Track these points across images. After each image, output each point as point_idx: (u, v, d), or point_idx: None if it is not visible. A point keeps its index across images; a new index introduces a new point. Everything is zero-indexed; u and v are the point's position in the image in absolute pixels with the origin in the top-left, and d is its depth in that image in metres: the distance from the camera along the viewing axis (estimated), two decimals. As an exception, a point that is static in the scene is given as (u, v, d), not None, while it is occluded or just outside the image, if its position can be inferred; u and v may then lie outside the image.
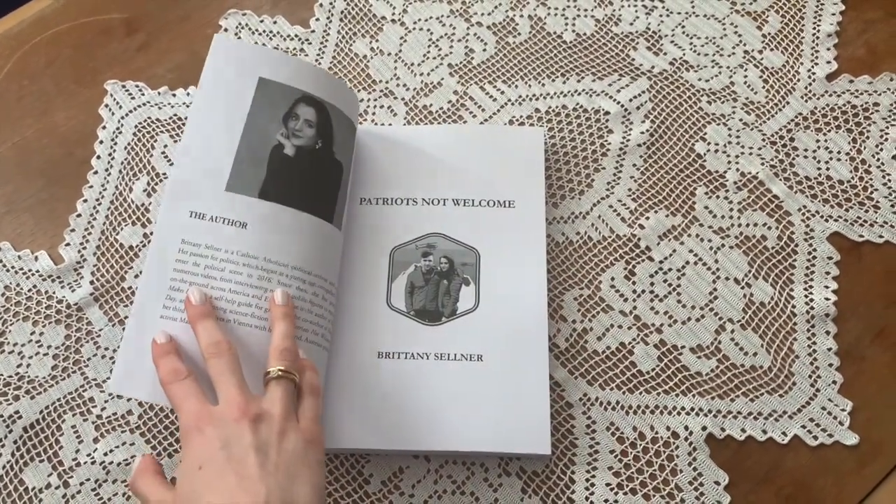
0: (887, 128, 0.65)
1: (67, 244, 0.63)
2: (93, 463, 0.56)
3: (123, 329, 0.57)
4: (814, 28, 0.69)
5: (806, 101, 0.66)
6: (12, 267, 0.62)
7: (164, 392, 0.48)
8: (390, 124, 0.66)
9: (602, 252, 0.61)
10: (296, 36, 0.70)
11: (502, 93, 0.67)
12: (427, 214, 0.61)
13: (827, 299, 0.59)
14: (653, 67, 0.68)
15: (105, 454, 0.56)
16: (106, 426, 0.57)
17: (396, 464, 0.56)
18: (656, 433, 0.56)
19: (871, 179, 0.63)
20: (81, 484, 0.56)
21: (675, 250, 0.61)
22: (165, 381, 0.47)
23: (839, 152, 0.64)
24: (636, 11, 0.70)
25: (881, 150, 0.64)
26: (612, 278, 0.61)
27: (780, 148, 0.64)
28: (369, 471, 0.56)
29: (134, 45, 0.70)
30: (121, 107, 0.68)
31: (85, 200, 0.64)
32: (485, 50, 0.69)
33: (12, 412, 0.58)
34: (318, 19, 0.71)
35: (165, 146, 0.66)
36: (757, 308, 0.59)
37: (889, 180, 0.63)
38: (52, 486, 0.56)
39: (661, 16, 0.70)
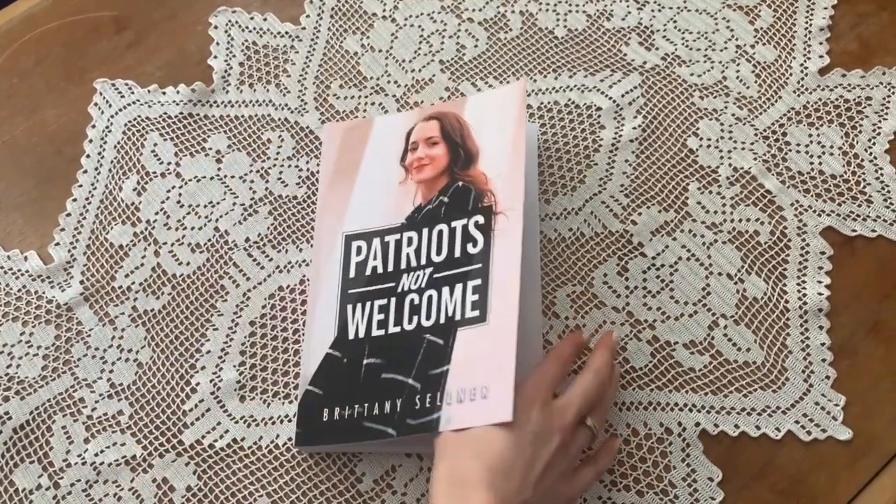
0: (880, 122, 0.64)
1: (57, 244, 0.62)
2: (83, 464, 0.56)
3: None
4: (806, 22, 0.68)
5: (798, 95, 0.66)
6: (1, 267, 0.62)
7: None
8: (381, 121, 0.66)
9: (595, 248, 0.61)
10: (286, 33, 0.70)
11: (494, 89, 0.67)
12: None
13: (820, 294, 0.59)
14: (645, 63, 0.67)
15: (96, 455, 0.56)
16: (96, 426, 0.57)
17: (389, 462, 0.55)
18: (650, 429, 0.56)
19: (863, 174, 0.63)
20: (72, 485, 0.55)
21: (667, 246, 0.61)
22: (561, 350, 0.52)
23: (832, 147, 0.64)
24: (628, 6, 0.70)
25: (874, 144, 0.64)
26: (605, 274, 0.60)
27: (772, 143, 0.64)
28: (361, 469, 0.55)
29: (123, 42, 0.70)
30: (110, 105, 0.67)
31: (75, 199, 0.64)
32: (476, 46, 0.69)
33: (2, 413, 0.57)
34: (308, 16, 0.71)
35: (155, 144, 0.65)
36: (750, 303, 0.59)
37: (882, 175, 0.63)
38: (43, 487, 0.55)
39: (652, 11, 0.69)
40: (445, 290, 0.54)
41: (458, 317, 0.53)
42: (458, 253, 0.55)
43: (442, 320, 0.53)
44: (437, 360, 0.52)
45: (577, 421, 0.49)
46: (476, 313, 0.52)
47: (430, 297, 0.54)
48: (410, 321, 0.54)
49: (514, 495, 0.45)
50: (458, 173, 0.57)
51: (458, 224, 0.56)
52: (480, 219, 0.55)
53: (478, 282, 0.53)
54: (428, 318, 0.54)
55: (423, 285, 0.55)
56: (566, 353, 0.52)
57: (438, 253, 0.56)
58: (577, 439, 0.50)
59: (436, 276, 0.55)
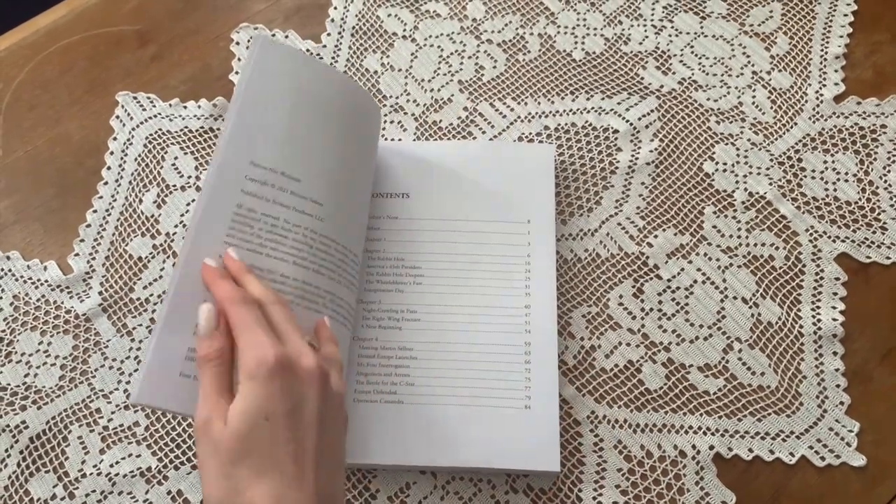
0: (894, 150, 0.65)
1: (77, 254, 0.63)
2: (98, 474, 0.56)
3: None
4: (822, 50, 0.69)
5: (814, 122, 0.66)
6: (21, 276, 0.62)
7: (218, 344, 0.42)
8: (400, 139, 0.67)
9: (610, 270, 0.62)
10: (307, 51, 0.71)
11: (512, 110, 0.68)
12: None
13: (834, 320, 0.59)
14: (662, 86, 0.68)
15: (111, 466, 0.56)
16: (112, 437, 0.57)
17: (403, 479, 0.56)
18: (664, 452, 0.56)
19: (878, 201, 0.63)
20: (87, 495, 0.55)
21: (683, 269, 0.61)
22: (229, 301, 0.43)
23: (847, 173, 0.64)
24: (645, 31, 0.71)
25: (889, 171, 0.64)
26: (621, 296, 0.61)
27: (787, 168, 0.65)
28: (376, 486, 0.55)
29: (146, 56, 0.71)
30: (132, 118, 0.68)
31: (95, 211, 0.64)
32: (495, 67, 0.70)
33: (19, 422, 0.57)
34: (329, 34, 0.71)
35: (176, 158, 0.66)
36: (765, 328, 0.59)
37: (896, 202, 0.63)
38: (58, 497, 0.55)
39: (670, 36, 0.70)
40: None
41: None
42: None
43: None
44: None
45: (312, 347, 0.43)
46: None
47: None
48: None
49: (297, 485, 0.39)
50: None
51: None
52: None
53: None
54: None
55: None
56: (239, 296, 0.44)
57: None
58: (326, 363, 0.44)
59: None
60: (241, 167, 0.49)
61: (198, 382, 0.43)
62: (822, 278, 0.61)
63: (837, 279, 0.61)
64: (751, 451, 0.56)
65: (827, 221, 0.63)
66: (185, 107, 0.68)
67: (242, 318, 0.42)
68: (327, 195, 0.52)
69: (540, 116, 0.67)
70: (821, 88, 0.68)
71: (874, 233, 0.62)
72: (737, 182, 0.64)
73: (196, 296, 0.45)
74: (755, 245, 0.62)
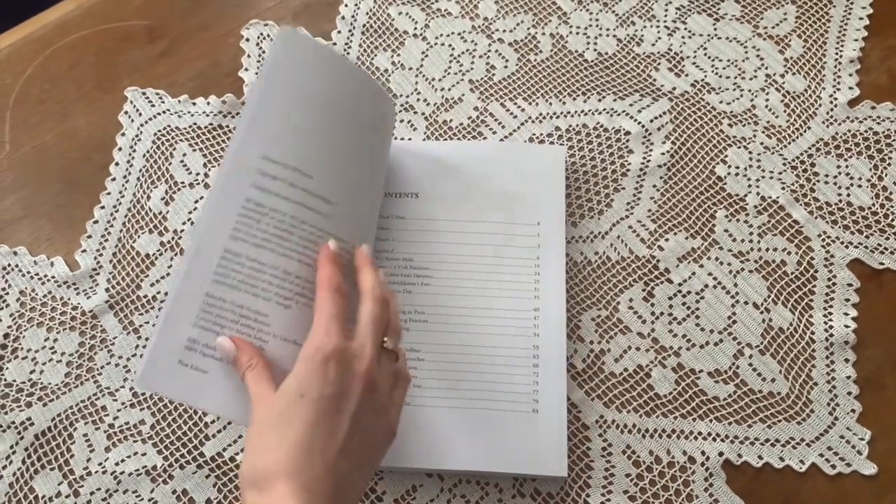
0: (909, 155, 0.64)
1: (84, 250, 0.62)
2: (104, 472, 0.56)
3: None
4: (836, 53, 0.69)
5: (827, 126, 0.66)
6: (28, 272, 0.62)
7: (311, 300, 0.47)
8: (410, 139, 0.66)
9: (621, 273, 0.61)
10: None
11: (523, 110, 0.67)
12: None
13: (846, 326, 0.59)
14: (674, 88, 0.67)
15: (116, 464, 0.56)
16: (118, 435, 0.57)
17: (410, 482, 0.55)
18: (673, 458, 0.56)
19: (892, 206, 0.63)
20: (92, 493, 0.55)
21: (694, 273, 0.61)
22: (325, 285, 0.46)
23: (860, 178, 0.64)
24: (658, 32, 0.70)
25: (902, 177, 0.64)
26: (631, 300, 0.60)
27: (800, 173, 0.64)
28: (382, 488, 0.55)
29: (155, 52, 0.71)
30: (140, 114, 0.68)
31: (102, 207, 0.64)
32: (506, 67, 0.69)
33: (24, 419, 0.57)
34: (339, 32, 0.71)
35: (184, 155, 0.66)
36: (776, 333, 0.59)
37: (910, 208, 0.63)
38: (63, 494, 0.55)
39: (683, 37, 0.70)
40: None
41: None
42: None
43: None
44: None
45: (377, 354, 0.45)
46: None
47: None
48: None
49: (321, 471, 0.41)
50: None
51: None
52: None
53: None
54: None
55: None
56: (336, 282, 0.47)
57: None
58: (383, 370, 0.46)
59: None
60: (253, 162, 0.48)
61: (199, 373, 0.46)
62: (834, 284, 0.60)
63: (850, 285, 0.60)
64: (760, 458, 0.55)
65: (840, 227, 0.62)
66: (193, 103, 0.68)
67: (325, 304, 0.45)
68: (339, 193, 0.51)
69: (551, 117, 0.67)
70: (835, 92, 0.67)
71: (888, 239, 0.61)
72: (749, 186, 0.64)
73: (202, 287, 0.46)
74: (767, 250, 0.61)
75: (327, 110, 0.52)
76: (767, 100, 0.67)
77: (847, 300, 0.60)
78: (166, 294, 0.61)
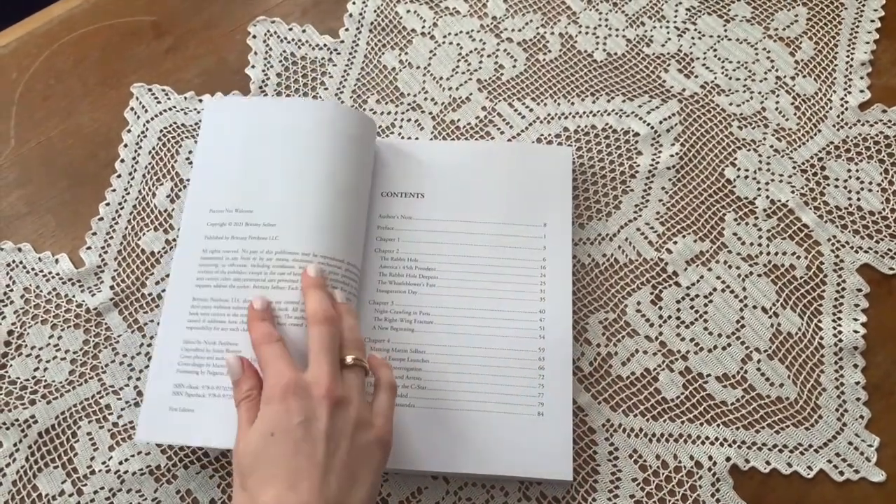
0: (920, 160, 0.64)
1: (89, 248, 0.62)
2: (107, 471, 0.55)
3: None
4: (847, 56, 0.68)
5: (838, 129, 0.65)
6: (32, 269, 0.62)
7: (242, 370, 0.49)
8: (417, 138, 0.66)
9: (628, 276, 0.61)
10: (324, 46, 0.70)
11: (531, 110, 0.67)
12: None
13: (856, 332, 0.58)
14: (684, 90, 0.67)
15: (120, 463, 0.56)
16: (122, 434, 0.56)
17: (415, 484, 0.55)
18: (679, 462, 0.55)
19: (902, 211, 0.62)
20: (95, 492, 0.55)
21: (702, 276, 0.60)
22: (258, 343, 0.49)
23: (871, 183, 0.63)
24: (668, 33, 0.69)
25: (913, 182, 0.63)
26: (638, 303, 0.60)
27: (810, 176, 0.64)
28: (387, 490, 0.55)
29: (162, 48, 0.70)
30: (146, 110, 0.67)
31: (108, 204, 0.64)
32: (514, 66, 0.69)
33: (28, 417, 0.57)
34: (347, 30, 0.70)
35: (190, 152, 0.65)
36: (784, 338, 0.58)
37: (921, 213, 0.62)
38: (66, 493, 0.55)
39: (692, 38, 0.69)
40: None
41: None
42: None
43: None
44: None
45: (335, 374, 0.46)
46: None
47: None
48: None
49: (310, 499, 0.42)
50: None
51: None
52: None
53: None
54: None
55: None
56: (264, 335, 0.49)
57: None
58: (350, 385, 0.47)
59: None
60: (201, 217, 0.57)
61: (188, 413, 0.52)
62: (843, 289, 0.60)
63: (859, 290, 0.60)
64: (768, 463, 0.55)
65: (850, 231, 0.62)
66: (200, 100, 0.67)
67: (266, 355, 0.48)
68: (281, 214, 0.55)
69: (559, 118, 0.66)
70: (846, 95, 0.67)
71: (898, 244, 0.61)
72: (758, 189, 0.63)
73: (178, 335, 0.54)
74: (776, 254, 0.61)
75: (259, 148, 0.58)
76: (777, 102, 0.66)
77: (856, 305, 0.59)
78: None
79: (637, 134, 0.66)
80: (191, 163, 0.65)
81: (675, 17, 0.70)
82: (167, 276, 0.61)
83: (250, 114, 0.59)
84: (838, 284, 0.60)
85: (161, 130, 0.66)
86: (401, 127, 0.66)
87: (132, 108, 0.67)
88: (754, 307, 0.59)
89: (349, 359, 0.48)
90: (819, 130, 0.65)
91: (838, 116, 0.66)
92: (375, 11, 0.71)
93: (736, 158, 0.64)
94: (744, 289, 0.60)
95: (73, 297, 0.61)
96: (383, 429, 0.47)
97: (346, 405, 0.46)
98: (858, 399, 0.56)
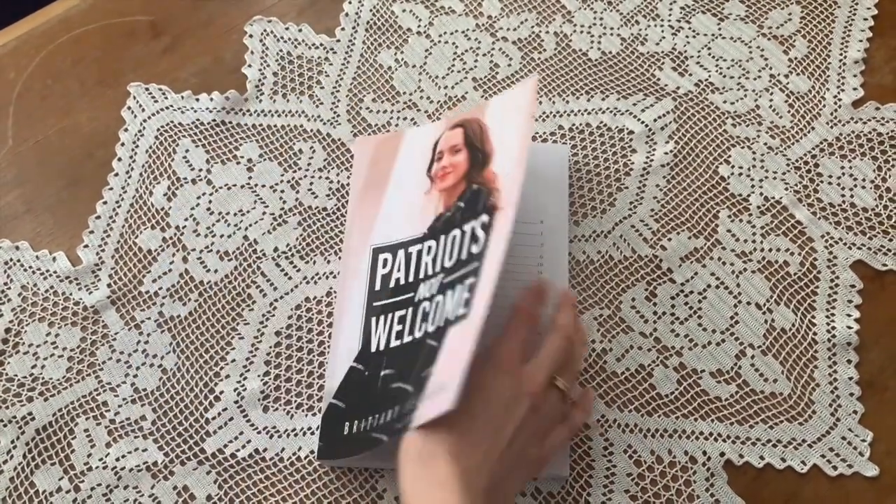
0: (913, 157, 0.64)
1: (86, 246, 0.62)
2: (104, 468, 0.56)
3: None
4: (841, 54, 0.68)
5: (831, 127, 0.66)
6: (30, 267, 0.62)
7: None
8: (413, 136, 0.66)
9: (623, 272, 0.61)
10: (321, 45, 0.70)
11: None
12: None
13: (849, 328, 0.59)
14: (678, 88, 0.67)
15: (117, 459, 0.56)
16: (119, 431, 0.57)
17: (411, 479, 0.55)
18: (674, 457, 0.55)
19: (895, 208, 0.62)
20: (92, 489, 0.55)
21: (696, 273, 0.61)
22: (524, 307, 0.52)
23: (864, 180, 0.64)
24: (662, 32, 0.70)
25: (906, 178, 0.64)
26: (633, 299, 0.60)
27: (804, 173, 0.64)
28: (383, 486, 0.55)
29: (159, 47, 0.70)
30: (143, 109, 0.67)
31: (105, 202, 0.64)
32: (510, 65, 0.69)
33: (25, 413, 0.57)
34: (343, 29, 0.71)
35: (187, 151, 0.66)
36: (778, 334, 0.59)
37: (914, 210, 0.63)
38: (63, 489, 0.55)
39: (687, 37, 0.70)
40: (449, 293, 0.53)
41: (451, 316, 0.52)
42: (464, 255, 0.54)
43: (441, 323, 0.52)
44: (429, 361, 0.51)
45: (546, 383, 0.49)
46: (464, 311, 0.51)
47: (437, 303, 0.54)
48: (420, 328, 0.54)
49: (480, 463, 0.45)
50: (474, 177, 0.57)
51: (468, 227, 0.55)
52: (486, 218, 0.54)
53: (472, 280, 0.52)
54: (432, 323, 0.53)
55: (434, 292, 0.55)
56: (534, 313, 0.53)
57: (450, 258, 0.55)
58: (548, 401, 0.50)
59: (445, 280, 0.54)
60: None
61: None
62: (837, 285, 0.60)
63: (853, 286, 0.60)
64: (762, 458, 0.55)
65: (843, 228, 0.62)
66: (196, 99, 0.68)
67: (516, 329, 0.51)
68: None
69: (554, 116, 0.67)
70: (839, 93, 0.67)
71: (891, 240, 0.61)
72: (752, 186, 0.64)
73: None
74: (770, 250, 0.61)
75: None
76: (771, 100, 0.67)
77: (850, 301, 0.60)
78: (168, 291, 0.61)
79: (631, 132, 0.66)
80: (187, 161, 0.65)
81: (670, 15, 0.71)
82: (164, 273, 0.61)
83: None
84: (832, 281, 0.60)
85: (158, 129, 0.67)
86: (396, 125, 0.67)
87: (129, 108, 0.68)
88: (748, 303, 0.60)
89: (560, 382, 0.50)
90: (812, 128, 0.66)
91: (832, 114, 0.66)
92: (371, 10, 0.71)
93: (730, 156, 0.65)
94: (738, 285, 0.60)
95: (71, 294, 0.61)
96: (548, 457, 0.50)
97: (539, 413, 0.49)
98: (852, 394, 0.57)
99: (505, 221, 0.51)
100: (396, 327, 0.55)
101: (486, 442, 0.46)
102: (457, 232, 0.55)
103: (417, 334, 0.53)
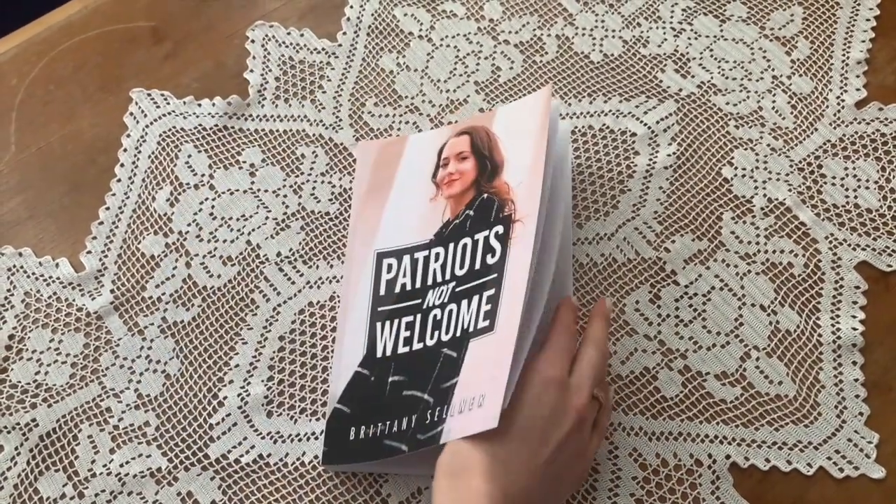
0: (916, 157, 0.64)
1: (89, 252, 0.62)
2: (108, 474, 0.56)
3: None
4: (843, 55, 0.68)
5: (834, 127, 0.66)
6: (33, 273, 0.62)
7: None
8: (415, 140, 0.66)
9: (627, 275, 0.61)
10: (322, 49, 0.70)
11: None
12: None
13: (854, 329, 0.58)
14: (680, 90, 0.67)
15: (121, 465, 0.56)
16: (122, 437, 0.57)
17: (415, 484, 0.55)
18: (679, 460, 0.55)
19: (899, 209, 0.62)
20: (97, 495, 0.55)
21: (700, 275, 0.61)
22: (563, 323, 0.51)
23: (867, 180, 0.64)
24: (664, 33, 0.70)
25: (910, 179, 0.63)
26: (637, 301, 0.60)
27: (807, 175, 0.64)
28: (387, 490, 0.55)
29: (160, 53, 0.70)
30: (146, 115, 0.67)
31: (107, 208, 0.64)
32: (511, 68, 0.69)
33: (29, 420, 0.57)
34: (345, 33, 0.71)
35: (189, 156, 0.66)
36: (783, 336, 0.59)
37: (918, 210, 0.62)
38: (67, 496, 0.55)
39: (689, 39, 0.69)
40: (464, 303, 0.53)
41: (471, 328, 0.52)
42: (478, 265, 0.54)
43: (458, 333, 0.53)
44: (449, 373, 0.51)
45: (591, 397, 0.49)
46: (486, 323, 0.51)
47: (450, 312, 0.54)
48: (432, 336, 0.54)
49: (517, 480, 0.45)
50: (484, 186, 0.57)
51: (480, 236, 0.55)
52: (500, 229, 0.54)
53: (492, 292, 0.52)
54: (447, 332, 0.53)
55: (445, 300, 0.55)
56: (573, 323, 0.52)
57: (461, 267, 0.55)
58: (591, 415, 0.50)
59: (457, 289, 0.54)
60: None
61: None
62: (841, 287, 0.60)
63: (857, 288, 0.60)
64: (768, 461, 0.55)
65: (847, 229, 0.62)
66: (199, 104, 0.68)
67: (559, 338, 0.50)
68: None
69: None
70: (842, 94, 0.67)
71: (895, 241, 0.61)
72: (756, 188, 0.63)
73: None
74: (774, 252, 0.61)
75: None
76: (774, 101, 0.67)
77: (854, 303, 0.59)
78: (171, 297, 0.61)
79: (634, 134, 0.66)
80: (190, 166, 0.65)
81: (672, 17, 0.70)
82: (167, 279, 0.61)
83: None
84: (836, 282, 0.60)
85: (160, 135, 0.67)
86: (399, 129, 0.67)
87: (131, 113, 0.68)
88: (753, 305, 0.60)
89: (597, 391, 0.50)
90: (816, 129, 0.66)
91: (835, 115, 0.66)
92: (373, 15, 0.72)
93: (733, 157, 0.65)
94: (742, 287, 0.60)
95: (74, 300, 0.61)
96: (587, 469, 0.51)
97: (583, 429, 0.48)
98: (857, 396, 0.57)
99: (527, 235, 0.51)
100: (404, 333, 0.55)
101: (522, 459, 0.45)
102: (467, 240, 0.55)
103: (430, 342, 0.53)
